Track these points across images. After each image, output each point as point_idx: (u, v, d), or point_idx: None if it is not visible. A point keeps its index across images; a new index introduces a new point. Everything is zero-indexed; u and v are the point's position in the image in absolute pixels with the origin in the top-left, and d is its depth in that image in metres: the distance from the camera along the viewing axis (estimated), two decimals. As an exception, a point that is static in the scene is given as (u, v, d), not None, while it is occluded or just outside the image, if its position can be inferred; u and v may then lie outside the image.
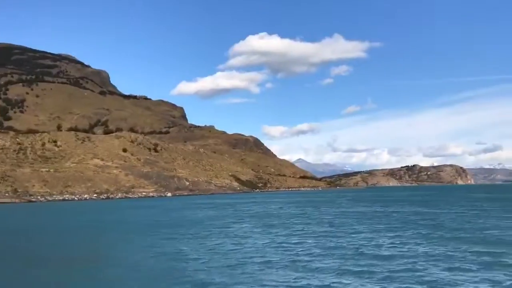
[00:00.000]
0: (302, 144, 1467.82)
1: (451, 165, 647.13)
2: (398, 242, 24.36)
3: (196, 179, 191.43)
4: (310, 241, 25.15)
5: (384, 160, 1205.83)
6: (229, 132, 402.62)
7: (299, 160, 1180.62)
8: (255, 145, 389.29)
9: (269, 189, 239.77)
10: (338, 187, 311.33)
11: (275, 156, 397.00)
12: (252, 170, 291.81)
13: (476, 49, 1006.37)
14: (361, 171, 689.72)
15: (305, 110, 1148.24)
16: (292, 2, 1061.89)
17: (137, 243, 27.31)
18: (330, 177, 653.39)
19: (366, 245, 23.24)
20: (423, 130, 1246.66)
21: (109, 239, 30.10)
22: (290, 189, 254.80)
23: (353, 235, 27.30)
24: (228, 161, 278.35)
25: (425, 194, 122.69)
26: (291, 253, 20.87)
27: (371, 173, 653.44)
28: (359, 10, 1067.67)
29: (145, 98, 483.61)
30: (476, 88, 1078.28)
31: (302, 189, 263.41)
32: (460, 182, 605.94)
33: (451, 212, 46.99)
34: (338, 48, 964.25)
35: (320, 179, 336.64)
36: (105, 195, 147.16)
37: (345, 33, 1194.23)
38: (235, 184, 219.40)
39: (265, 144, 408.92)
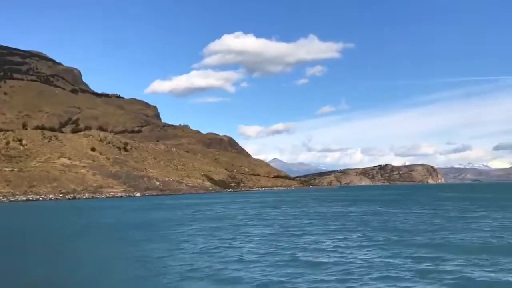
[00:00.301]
0: (277, 144, 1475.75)
1: (422, 165, 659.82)
2: (342, 245, 23.41)
3: (166, 179, 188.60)
4: (250, 245, 23.94)
5: (358, 159, 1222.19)
6: (204, 131, 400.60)
7: (275, 159, 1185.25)
8: (229, 145, 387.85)
9: (242, 189, 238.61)
10: (311, 186, 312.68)
11: (249, 155, 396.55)
12: (226, 169, 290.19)
13: (448, 50, 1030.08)
14: (335, 171, 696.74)
15: (281, 110, 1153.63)
16: (267, 2, 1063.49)
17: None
18: (305, 176, 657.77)
19: (306, 249, 22.20)
20: (396, 130, 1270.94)
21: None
22: (263, 188, 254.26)
23: (298, 238, 26.23)
24: (201, 160, 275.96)
25: (394, 193, 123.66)
26: (221, 260, 19.60)
27: (344, 172, 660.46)
28: (333, 11, 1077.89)
29: (118, 97, 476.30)
30: (447, 89, 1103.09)
31: (275, 188, 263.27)
32: (431, 181, 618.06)
33: (411, 212, 46.66)
34: (313, 48, 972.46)
35: (293, 179, 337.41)
36: (72, 195, 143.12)
37: (320, 33, 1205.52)
38: (208, 184, 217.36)
39: (240, 144, 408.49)
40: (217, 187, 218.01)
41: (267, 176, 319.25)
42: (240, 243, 24.73)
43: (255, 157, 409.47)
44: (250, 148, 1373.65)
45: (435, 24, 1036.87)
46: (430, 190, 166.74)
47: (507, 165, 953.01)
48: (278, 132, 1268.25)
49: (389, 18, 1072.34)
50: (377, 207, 55.44)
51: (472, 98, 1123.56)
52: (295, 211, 50.23)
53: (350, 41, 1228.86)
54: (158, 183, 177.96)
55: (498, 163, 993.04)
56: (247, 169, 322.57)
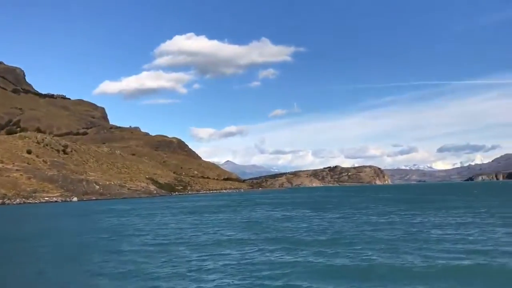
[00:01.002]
0: (230, 146, 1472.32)
1: (370, 166, 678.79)
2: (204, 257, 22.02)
3: (107, 182, 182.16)
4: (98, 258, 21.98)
5: (309, 161, 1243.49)
6: (156, 133, 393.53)
7: (227, 162, 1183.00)
8: (179, 147, 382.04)
9: (189, 192, 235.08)
10: (260, 188, 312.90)
11: (199, 158, 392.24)
12: (174, 172, 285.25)
13: (396, 55, 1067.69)
14: (287, 173, 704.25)
15: (233, 112, 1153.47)
16: (220, 4, 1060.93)
17: None
18: (257, 178, 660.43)
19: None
20: (345, 133, 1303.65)
21: None
22: (211, 191, 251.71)
23: (159, 254, 24.13)
24: (147, 163, 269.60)
25: (336, 195, 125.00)
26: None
27: (295, 174, 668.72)
28: (285, 15, 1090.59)
29: (63, 98, 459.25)
30: (395, 93, 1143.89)
31: (224, 191, 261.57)
32: (378, 182, 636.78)
33: (328, 216, 46.08)
34: (265, 51, 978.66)
35: (243, 181, 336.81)
36: (0, 200, 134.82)
37: (272, 37, 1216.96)
38: (152, 187, 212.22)
39: (192, 146, 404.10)
40: (163, 191, 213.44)
41: (217, 179, 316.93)
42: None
43: (208, 160, 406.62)
44: (203, 150, 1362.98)
45: (384, 29, 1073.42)
46: (372, 191, 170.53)
47: (449, 167, 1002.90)
48: (231, 134, 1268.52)
49: (339, 23, 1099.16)
50: (303, 210, 54.88)
51: (418, 102, 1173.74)
52: (202, 218, 48.43)
53: (301, 45, 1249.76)
54: (98, 187, 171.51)
55: (442, 165, 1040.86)
56: (196, 172, 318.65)
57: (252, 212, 54.55)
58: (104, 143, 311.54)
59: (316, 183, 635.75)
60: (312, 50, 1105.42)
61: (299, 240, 26.40)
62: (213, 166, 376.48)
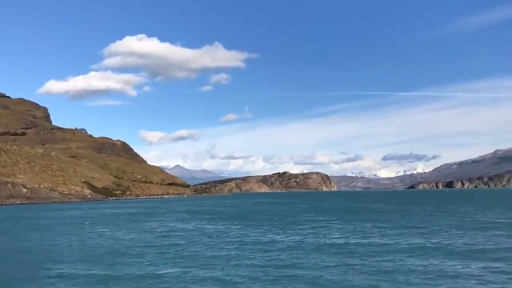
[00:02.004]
0: (180, 150, 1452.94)
1: (317, 173, 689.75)
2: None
3: (37, 185, 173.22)
4: None
5: (259, 167, 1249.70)
6: (103, 136, 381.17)
7: (177, 166, 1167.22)
8: (122, 150, 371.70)
9: (128, 197, 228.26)
10: (204, 194, 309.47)
11: (144, 162, 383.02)
12: (116, 176, 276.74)
13: (346, 65, 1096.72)
14: (236, 178, 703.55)
15: (184, 116, 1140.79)
16: (174, 7, 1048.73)
17: None
18: (206, 183, 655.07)
19: None
20: (295, 139, 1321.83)
21: None
22: (152, 196, 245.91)
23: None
24: (86, 166, 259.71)
25: (267, 202, 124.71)
26: None
27: (245, 179, 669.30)
28: (239, 21, 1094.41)
29: (3, 96, 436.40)
30: (343, 102, 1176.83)
31: (166, 196, 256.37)
32: (325, 188, 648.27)
33: (233, 231, 44.73)
34: (218, 56, 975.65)
35: (188, 186, 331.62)
36: None
37: (225, 42, 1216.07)
38: (87, 191, 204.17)
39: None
40: (98, 195, 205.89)
41: (160, 184, 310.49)
42: None
43: (157, 164, 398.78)
44: (153, 154, 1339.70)
45: (335, 39, 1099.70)
46: (312, 198, 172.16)
47: (393, 175, 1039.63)
48: (181, 138, 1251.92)
49: (292, 31, 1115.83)
50: (219, 223, 53.00)
51: (365, 111, 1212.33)
52: (94, 230, 45.97)
53: (254, 51, 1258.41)
54: (25, 190, 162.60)
55: (386, 173, 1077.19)
56: (139, 176, 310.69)
57: (146, 223, 52.31)
58: (43, 144, 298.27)
59: (265, 189, 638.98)
60: (264, 56, 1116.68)
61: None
62: (158, 171, 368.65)
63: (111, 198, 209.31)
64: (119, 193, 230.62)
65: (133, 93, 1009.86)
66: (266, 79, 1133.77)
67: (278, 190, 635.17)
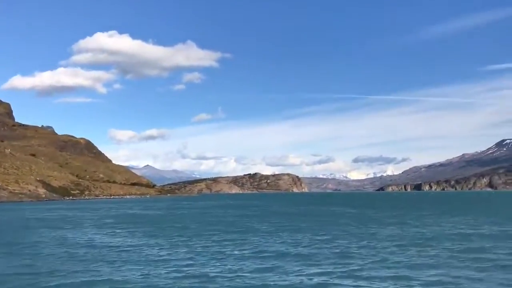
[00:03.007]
0: (151, 150, 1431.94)
1: (288, 174, 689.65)
2: None
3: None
4: None
5: (231, 168, 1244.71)
6: (70, 134, 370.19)
7: (147, 166, 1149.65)
8: (86, 148, 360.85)
9: (87, 197, 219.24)
10: (169, 194, 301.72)
11: (109, 161, 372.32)
12: (77, 175, 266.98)
13: (319, 67, 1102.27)
14: (207, 179, 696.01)
15: (155, 115, 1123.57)
16: (146, 3, 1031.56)
17: None
18: (176, 184, 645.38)
19: None
20: (268, 140, 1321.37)
21: None
22: (112, 197, 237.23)
23: None
24: (44, 164, 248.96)
25: (224, 205, 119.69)
26: None
27: (215, 180, 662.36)
28: (213, 20, 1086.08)
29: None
30: (316, 104, 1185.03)
31: (127, 197, 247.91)
32: (295, 190, 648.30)
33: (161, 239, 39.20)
34: (191, 55, 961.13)
35: (153, 187, 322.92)
36: None
37: (199, 41, 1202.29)
38: (42, 191, 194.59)
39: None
40: (54, 195, 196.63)
41: (124, 184, 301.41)
42: None
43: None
44: (122, 153, 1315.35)
45: (308, 41, 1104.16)
46: (279, 200, 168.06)
47: (363, 177, 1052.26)
48: (152, 138, 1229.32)
49: (266, 32, 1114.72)
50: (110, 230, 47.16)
51: (337, 114, 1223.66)
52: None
53: (228, 51, 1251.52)
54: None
55: (356, 175, 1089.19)
56: (102, 175, 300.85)
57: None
58: (2, 141, 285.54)
59: (235, 190, 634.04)
60: (238, 57, 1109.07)
61: None
62: (122, 170, 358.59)
63: (68, 198, 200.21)
64: (77, 193, 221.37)
65: (103, 90, 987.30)
66: (239, 80, 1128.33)
67: (249, 191, 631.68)
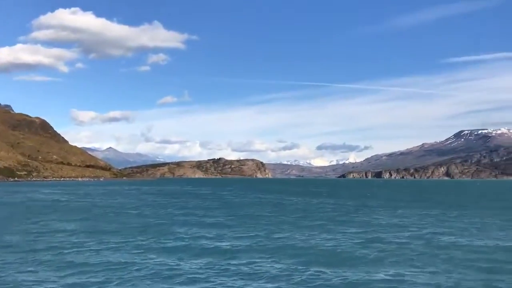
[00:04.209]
0: (114, 132, 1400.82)
1: (252, 160, 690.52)
2: None
3: None
4: None
5: (196, 152, 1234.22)
6: (31, 114, 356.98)
7: (109, 149, 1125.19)
8: (41, 128, 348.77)
9: (34, 179, 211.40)
10: (125, 178, 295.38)
11: (65, 141, 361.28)
12: (28, 156, 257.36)
13: (286, 54, 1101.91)
14: (170, 162, 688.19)
15: (119, 97, 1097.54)
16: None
17: None
18: (139, 167, 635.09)
19: None
20: (234, 125, 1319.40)
21: None
22: (62, 179, 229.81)
23: None
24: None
25: (178, 192, 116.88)
26: None
27: (179, 164, 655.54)
28: (180, 1, 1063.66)
29: None
30: (282, 91, 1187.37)
31: (80, 179, 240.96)
32: (259, 175, 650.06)
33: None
34: (157, 36, 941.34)
35: (109, 169, 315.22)
36: None
37: (165, 21, 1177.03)
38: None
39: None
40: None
41: (79, 166, 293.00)
42: None
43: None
44: (84, 135, 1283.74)
45: (276, 27, 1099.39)
46: (234, 184, 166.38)
47: (326, 164, 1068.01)
48: (115, 119, 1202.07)
49: (235, 16, 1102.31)
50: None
51: (302, 101, 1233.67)
52: None
53: (195, 33, 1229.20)
54: None
55: (319, 161, 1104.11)
56: (55, 157, 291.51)
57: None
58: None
59: (199, 174, 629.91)
60: (205, 39, 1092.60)
61: None
62: (78, 152, 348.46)
63: (12, 180, 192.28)
64: (24, 174, 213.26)
65: (65, 69, 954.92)
66: (206, 63, 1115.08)
67: (213, 176, 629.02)
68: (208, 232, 27.94)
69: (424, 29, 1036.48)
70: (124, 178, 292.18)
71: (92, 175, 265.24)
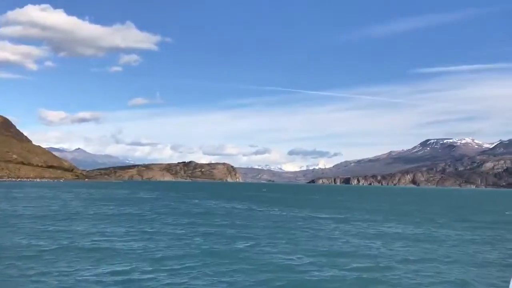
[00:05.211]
0: (83, 133, 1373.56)
1: (223, 164, 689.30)
2: None
3: None
4: None
5: (167, 155, 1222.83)
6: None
7: (78, 150, 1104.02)
8: (2, 127, 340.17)
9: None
10: (87, 179, 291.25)
11: (28, 141, 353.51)
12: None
13: (259, 59, 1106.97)
14: (139, 165, 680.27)
15: (89, 97, 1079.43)
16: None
17: None
18: (107, 169, 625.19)
19: None
20: (206, 129, 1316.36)
21: None
22: (19, 179, 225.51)
23: None
24: None
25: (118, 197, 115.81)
26: None
27: (148, 167, 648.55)
28: (154, 2, 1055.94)
29: None
30: (255, 96, 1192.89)
31: (38, 180, 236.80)
32: (230, 179, 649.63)
33: None
34: (129, 36, 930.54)
35: (71, 170, 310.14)
36: None
37: (138, 22, 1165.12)
38: None
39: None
40: None
41: (40, 166, 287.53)
42: None
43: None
44: (52, 135, 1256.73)
45: (251, 33, 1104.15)
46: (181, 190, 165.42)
47: (297, 169, 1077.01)
48: (85, 120, 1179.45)
49: (208, 19, 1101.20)
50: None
51: (275, 106, 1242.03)
52: None
53: (168, 35, 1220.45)
54: None
55: (290, 166, 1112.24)
56: (15, 156, 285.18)
57: None
58: None
59: (168, 178, 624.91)
60: (178, 42, 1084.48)
61: None
62: (41, 152, 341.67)
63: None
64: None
65: (33, 67, 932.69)
66: (179, 65, 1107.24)
67: (182, 180, 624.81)
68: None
69: (394, 40, 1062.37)
70: (86, 180, 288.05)
71: (53, 176, 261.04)
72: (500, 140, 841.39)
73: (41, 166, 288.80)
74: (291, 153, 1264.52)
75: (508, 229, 40.33)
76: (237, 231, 32.44)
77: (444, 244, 28.78)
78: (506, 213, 66.87)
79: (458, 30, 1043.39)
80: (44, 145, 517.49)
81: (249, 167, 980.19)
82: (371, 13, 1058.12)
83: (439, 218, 50.71)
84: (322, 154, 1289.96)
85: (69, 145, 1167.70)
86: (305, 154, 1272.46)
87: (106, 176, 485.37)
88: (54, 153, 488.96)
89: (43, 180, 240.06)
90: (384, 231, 35.57)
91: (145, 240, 26.76)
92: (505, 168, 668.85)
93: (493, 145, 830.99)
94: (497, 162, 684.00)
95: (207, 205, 67.21)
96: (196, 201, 78.46)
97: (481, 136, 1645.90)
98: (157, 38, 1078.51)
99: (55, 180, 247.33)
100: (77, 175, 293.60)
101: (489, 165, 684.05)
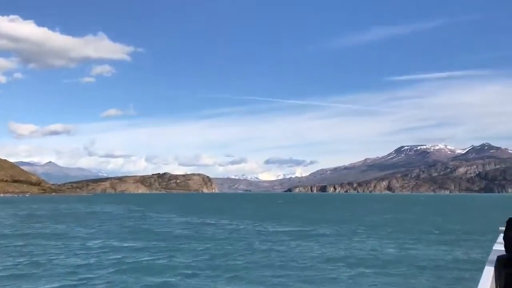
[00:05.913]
0: (54, 146, 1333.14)
1: (199, 174, 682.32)
2: None
3: None
4: None
5: (142, 167, 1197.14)
6: None
7: (49, 163, 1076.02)
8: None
9: None
10: (54, 193, 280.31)
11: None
12: None
13: (234, 68, 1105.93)
14: (112, 177, 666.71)
15: (61, 109, 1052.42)
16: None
17: None
18: (78, 182, 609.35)
19: None
20: (181, 140, 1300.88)
21: None
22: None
23: None
24: None
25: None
26: None
27: (121, 179, 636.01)
28: (126, 13, 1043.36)
29: None
30: (230, 105, 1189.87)
31: (1, 195, 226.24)
32: (205, 190, 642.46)
33: None
34: (102, 47, 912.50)
35: (38, 184, 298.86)
36: None
37: (110, 33, 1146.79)
38: None
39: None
40: None
41: (5, 181, 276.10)
42: None
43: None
44: (22, 149, 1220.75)
45: (226, 42, 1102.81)
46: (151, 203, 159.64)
47: (273, 178, 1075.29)
48: (56, 133, 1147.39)
49: (182, 28, 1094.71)
50: None
51: (250, 116, 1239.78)
52: None
53: (141, 46, 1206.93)
54: None
55: (267, 176, 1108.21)
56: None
57: None
58: None
59: (142, 190, 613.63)
60: (152, 52, 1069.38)
61: None
62: (8, 166, 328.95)
63: None
64: None
65: (2, 79, 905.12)
66: (153, 76, 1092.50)
67: (157, 192, 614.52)
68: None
69: (368, 49, 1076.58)
70: (53, 194, 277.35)
71: (17, 191, 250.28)
72: (472, 145, 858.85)
73: (6, 181, 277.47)
74: (267, 162, 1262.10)
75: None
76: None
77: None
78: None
79: (430, 39, 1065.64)
80: (14, 159, 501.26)
81: (226, 177, 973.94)
82: (345, 23, 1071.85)
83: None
84: (298, 162, 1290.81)
85: (40, 159, 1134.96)
86: (281, 163, 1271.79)
87: (78, 190, 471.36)
88: (24, 167, 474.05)
89: (7, 195, 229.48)
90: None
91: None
92: (477, 173, 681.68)
93: (465, 151, 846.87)
94: (469, 167, 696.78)
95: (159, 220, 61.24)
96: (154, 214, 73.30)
97: (453, 141, 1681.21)
98: (130, 48, 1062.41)
99: (20, 195, 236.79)
100: (44, 189, 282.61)
101: (462, 170, 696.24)
